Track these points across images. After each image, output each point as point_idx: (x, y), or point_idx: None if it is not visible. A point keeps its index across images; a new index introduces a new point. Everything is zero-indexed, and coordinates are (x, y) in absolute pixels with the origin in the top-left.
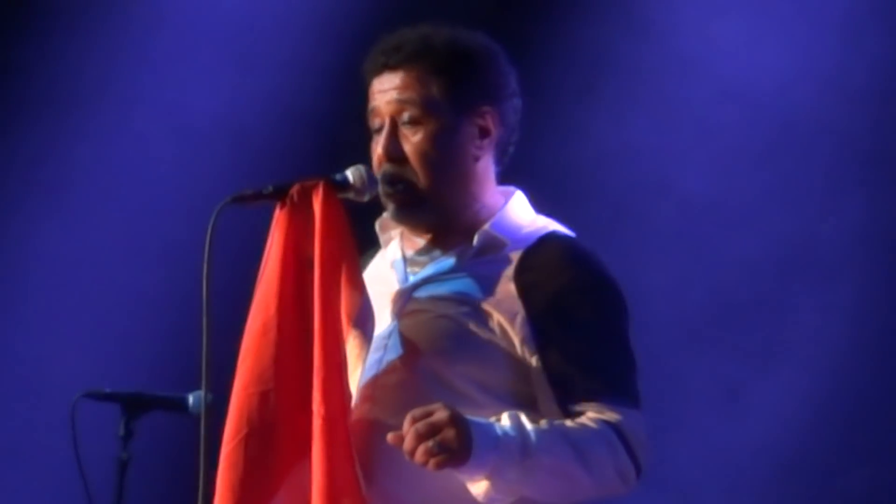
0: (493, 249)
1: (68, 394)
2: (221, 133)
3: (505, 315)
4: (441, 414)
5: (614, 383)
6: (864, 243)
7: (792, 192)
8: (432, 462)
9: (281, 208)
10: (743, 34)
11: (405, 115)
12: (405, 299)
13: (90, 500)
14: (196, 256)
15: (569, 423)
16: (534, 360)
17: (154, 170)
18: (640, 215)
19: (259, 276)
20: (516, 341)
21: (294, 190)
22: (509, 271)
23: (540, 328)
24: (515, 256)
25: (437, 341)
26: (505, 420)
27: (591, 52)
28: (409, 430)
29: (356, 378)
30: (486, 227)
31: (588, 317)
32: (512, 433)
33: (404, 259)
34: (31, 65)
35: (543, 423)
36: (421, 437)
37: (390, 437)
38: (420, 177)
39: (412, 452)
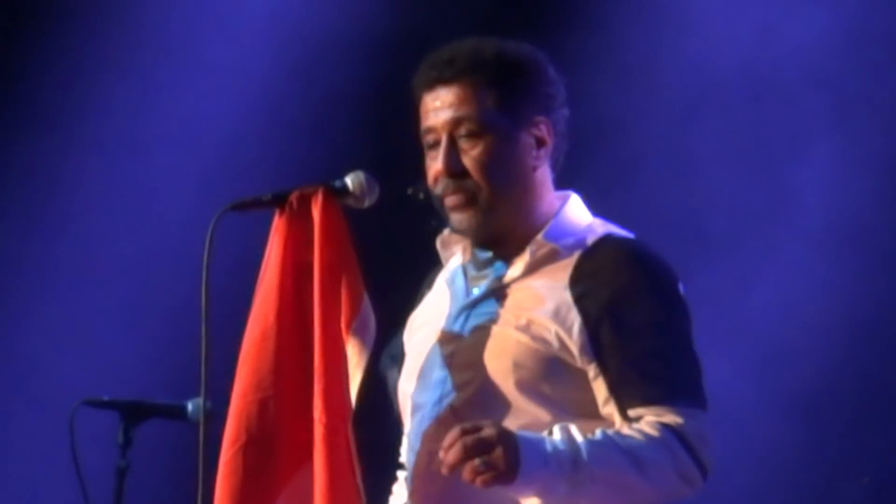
0: (548, 259)
1: (67, 401)
2: (220, 141)
3: (562, 325)
4: (489, 431)
5: (673, 385)
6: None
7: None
8: (479, 480)
9: (280, 215)
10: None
11: (462, 129)
12: (466, 316)
13: None
14: (195, 264)
15: (625, 429)
16: (592, 369)
17: (154, 178)
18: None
19: (258, 283)
20: (574, 351)
21: (293, 197)
22: (564, 279)
23: (596, 335)
24: (570, 263)
25: (498, 359)
26: (556, 433)
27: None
28: (455, 441)
29: (356, 385)
30: (539, 236)
31: (643, 319)
32: (562, 447)
33: (465, 275)
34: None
35: (597, 432)
36: (468, 452)
37: (441, 452)
38: (483, 189)
39: (455, 466)
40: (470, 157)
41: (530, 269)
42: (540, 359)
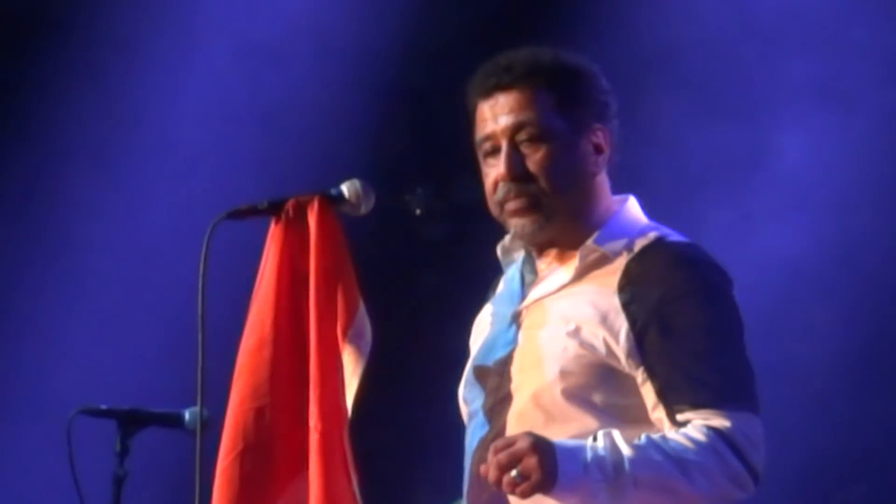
0: (598, 263)
1: (65, 410)
2: (217, 149)
3: (609, 331)
4: (522, 443)
5: (721, 388)
6: None
7: None
8: (518, 491)
9: (276, 223)
10: None
11: (523, 134)
12: (518, 323)
13: None
14: (192, 272)
15: (671, 434)
16: (640, 374)
17: (150, 187)
18: None
19: (255, 292)
20: (621, 356)
21: (289, 205)
22: (613, 285)
23: (642, 339)
24: (619, 268)
25: (546, 366)
26: (599, 440)
27: None
28: (492, 460)
29: (352, 393)
30: (589, 241)
31: (690, 321)
32: (603, 453)
33: (523, 281)
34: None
35: (641, 437)
36: (502, 468)
37: (482, 468)
38: (546, 193)
39: (497, 482)
40: (533, 161)
41: (580, 275)
42: (587, 365)
